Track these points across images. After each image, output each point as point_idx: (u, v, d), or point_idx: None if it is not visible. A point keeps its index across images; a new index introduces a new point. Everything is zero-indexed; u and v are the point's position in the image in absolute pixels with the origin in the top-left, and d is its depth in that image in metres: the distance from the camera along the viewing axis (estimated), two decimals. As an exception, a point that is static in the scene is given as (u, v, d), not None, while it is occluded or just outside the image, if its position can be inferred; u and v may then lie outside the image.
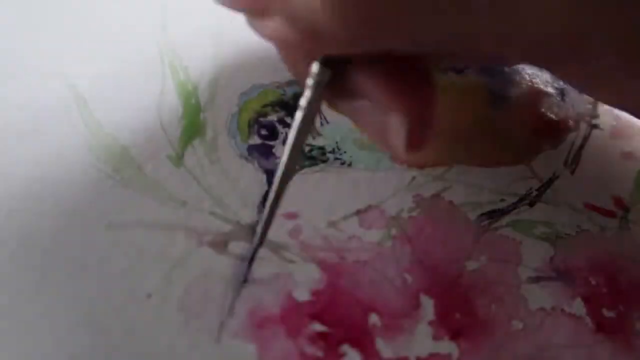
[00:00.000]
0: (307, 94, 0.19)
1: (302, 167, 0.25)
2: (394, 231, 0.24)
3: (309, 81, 0.19)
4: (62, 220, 0.23)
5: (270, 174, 0.25)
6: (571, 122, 0.27)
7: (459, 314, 0.23)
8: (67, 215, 0.23)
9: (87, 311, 0.22)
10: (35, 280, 0.22)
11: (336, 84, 0.19)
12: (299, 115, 0.20)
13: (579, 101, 0.28)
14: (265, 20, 0.18)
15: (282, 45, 0.20)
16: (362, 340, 0.22)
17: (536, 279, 0.23)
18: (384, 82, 0.18)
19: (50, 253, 0.23)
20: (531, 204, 0.25)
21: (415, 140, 0.19)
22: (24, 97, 0.25)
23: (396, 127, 0.18)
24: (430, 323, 0.22)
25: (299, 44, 0.18)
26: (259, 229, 0.22)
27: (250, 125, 0.26)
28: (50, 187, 0.24)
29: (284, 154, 0.21)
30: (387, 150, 0.20)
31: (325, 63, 0.19)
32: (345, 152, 0.26)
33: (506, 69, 0.28)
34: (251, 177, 0.25)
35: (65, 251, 0.23)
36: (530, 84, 0.28)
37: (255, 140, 0.25)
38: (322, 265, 0.23)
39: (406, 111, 0.18)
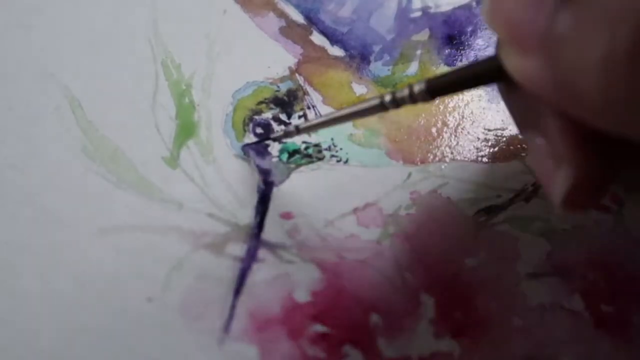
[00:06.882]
0: None
1: (299, 165, 0.25)
2: (392, 229, 0.24)
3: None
4: (57, 224, 0.23)
5: (266, 173, 0.25)
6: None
7: (460, 311, 0.23)
8: (62, 218, 0.23)
9: (86, 316, 0.22)
10: (33, 286, 0.22)
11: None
12: None
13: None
14: (523, 56, 0.16)
15: (527, 84, 0.17)
16: (363, 340, 0.22)
17: (534, 275, 0.24)
18: (573, 133, 0.17)
19: (46, 257, 0.22)
20: (527, 200, 0.25)
21: (573, 198, 0.17)
22: (17, 99, 0.25)
23: (561, 177, 0.17)
24: (431, 321, 0.22)
25: (546, 94, 0.16)
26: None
27: (245, 124, 0.25)
28: (45, 190, 0.23)
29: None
30: (546, 193, 0.19)
31: None
32: (341, 149, 0.25)
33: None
34: (247, 177, 0.24)
35: (60, 255, 0.22)
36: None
37: (251, 139, 0.25)
38: (322, 265, 0.23)
39: (577, 166, 0.17)
